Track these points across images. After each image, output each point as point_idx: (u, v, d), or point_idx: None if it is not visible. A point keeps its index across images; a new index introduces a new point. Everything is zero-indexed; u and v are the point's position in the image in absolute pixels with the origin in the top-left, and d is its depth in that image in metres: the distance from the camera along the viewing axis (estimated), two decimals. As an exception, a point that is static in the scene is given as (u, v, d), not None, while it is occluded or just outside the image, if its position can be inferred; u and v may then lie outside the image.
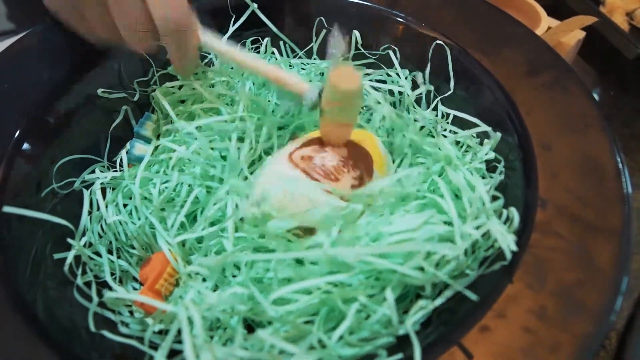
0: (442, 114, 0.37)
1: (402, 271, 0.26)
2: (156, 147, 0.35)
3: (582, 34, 0.46)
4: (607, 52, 0.50)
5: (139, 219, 0.32)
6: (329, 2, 0.42)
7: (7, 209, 0.28)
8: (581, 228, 0.27)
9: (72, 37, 0.38)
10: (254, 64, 0.33)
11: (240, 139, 0.33)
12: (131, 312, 0.30)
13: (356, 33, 0.40)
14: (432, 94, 0.39)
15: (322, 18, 0.41)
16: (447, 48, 0.37)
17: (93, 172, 0.35)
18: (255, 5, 0.40)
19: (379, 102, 0.36)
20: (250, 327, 0.28)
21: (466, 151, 0.35)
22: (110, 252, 0.32)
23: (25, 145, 0.33)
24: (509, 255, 0.26)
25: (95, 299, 0.29)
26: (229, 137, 0.32)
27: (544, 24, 0.45)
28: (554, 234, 0.27)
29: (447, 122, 0.36)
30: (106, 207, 0.32)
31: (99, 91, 0.37)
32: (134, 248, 0.33)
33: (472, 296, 0.25)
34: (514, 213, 0.28)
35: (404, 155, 0.37)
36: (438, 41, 0.37)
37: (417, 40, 0.39)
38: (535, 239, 0.27)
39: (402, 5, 0.40)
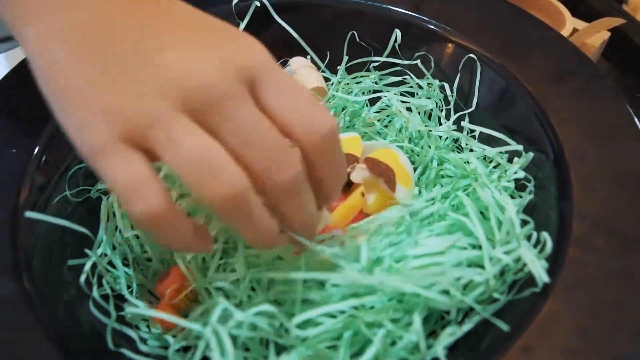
0: (468, 130, 0.36)
1: (428, 296, 0.25)
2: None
3: (607, 34, 0.45)
4: (631, 52, 0.48)
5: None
6: (346, 6, 0.40)
7: (29, 214, 0.28)
8: (620, 242, 0.26)
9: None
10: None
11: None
12: (148, 327, 0.30)
13: (397, 32, 0.39)
14: (452, 107, 0.38)
15: (354, 32, 0.39)
16: (476, 60, 0.35)
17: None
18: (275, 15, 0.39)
19: (399, 110, 0.36)
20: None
21: (494, 168, 0.33)
22: (125, 264, 0.32)
23: (43, 155, 0.33)
24: (540, 284, 0.25)
25: (114, 314, 0.28)
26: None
27: (569, 25, 0.43)
28: (592, 249, 0.26)
29: (473, 137, 0.35)
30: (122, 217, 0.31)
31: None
32: (149, 260, 0.32)
33: (504, 326, 0.25)
34: (547, 238, 0.27)
35: (427, 166, 0.36)
36: (470, 55, 0.36)
37: (442, 49, 0.38)
38: (572, 254, 0.26)
39: (425, 9, 0.39)
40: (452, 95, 0.37)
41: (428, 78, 0.38)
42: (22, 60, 0.36)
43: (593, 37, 0.43)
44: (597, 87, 0.32)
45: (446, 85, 0.38)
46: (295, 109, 0.21)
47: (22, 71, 0.36)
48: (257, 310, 0.23)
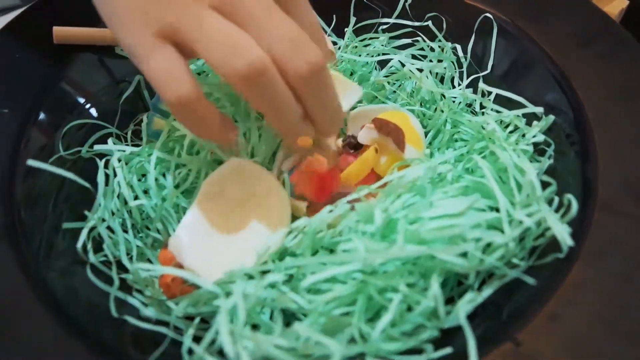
0: (483, 92, 0.34)
1: (447, 259, 0.23)
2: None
3: (625, 2, 0.43)
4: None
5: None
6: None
7: (31, 162, 0.27)
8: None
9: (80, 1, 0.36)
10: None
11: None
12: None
13: None
14: (465, 71, 0.36)
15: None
16: (494, 21, 0.34)
17: (103, 141, 0.33)
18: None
19: (412, 72, 0.34)
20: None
21: (511, 132, 0.32)
22: (124, 230, 0.30)
23: (38, 116, 0.31)
24: (564, 249, 0.24)
25: (117, 280, 0.26)
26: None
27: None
28: (620, 213, 0.25)
29: (489, 100, 0.34)
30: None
31: (117, 49, 0.35)
32: (148, 229, 0.30)
33: (530, 280, 0.23)
34: (572, 200, 0.25)
35: (440, 129, 0.34)
36: (486, 14, 0.34)
37: (456, 8, 0.36)
38: (598, 218, 0.25)
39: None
40: (466, 58, 0.35)
41: (440, 40, 0.36)
42: (15, 18, 0.34)
43: (611, 4, 0.41)
44: (621, 50, 0.31)
45: (459, 48, 0.36)
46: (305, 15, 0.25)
47: (16, 28, 0.34)
48: (269, 282, 0.22)
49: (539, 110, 0.31)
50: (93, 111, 0.34)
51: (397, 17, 0.37)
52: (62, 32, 0.34)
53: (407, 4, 0.37)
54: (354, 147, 0.32)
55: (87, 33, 0.34)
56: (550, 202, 0.27)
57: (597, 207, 0.25)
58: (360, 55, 0.37)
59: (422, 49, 0.36)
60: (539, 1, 0.34)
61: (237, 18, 0.22)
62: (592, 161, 0.27)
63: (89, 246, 0.28)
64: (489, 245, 0.25)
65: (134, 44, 0.23)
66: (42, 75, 0.33)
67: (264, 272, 0.25)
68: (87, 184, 0.27)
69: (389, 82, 0.36)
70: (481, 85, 0.34)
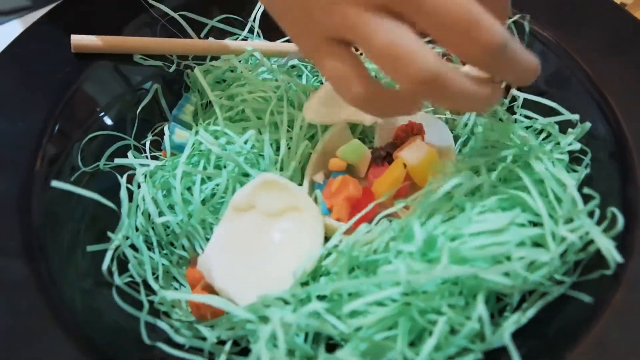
0: (514, 97, 0.33)
1: (493, 279, 0.23)
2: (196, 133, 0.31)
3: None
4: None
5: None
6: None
7: (55, 183, 0.26)
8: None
9: (98, 8, 0.35)
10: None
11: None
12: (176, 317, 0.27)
13: None
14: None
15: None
16: (525, 24, 0.33)
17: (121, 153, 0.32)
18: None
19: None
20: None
21: (544, 139, 0.31)
22: (148, 247, 0.29)
23: (55, 128, 0.30)
24: (613, 265, 0.23)
25: (146, 304, 0.25)
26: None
27: (615, -3, 0.40)
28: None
29: (518, 107, 0.33)
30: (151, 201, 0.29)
31: (136, 57, 0.34)
32: (173, 245, 0.29)
33: (586, 298, 0.22)
34: (617, 214, 0.24)
35: (469, 136, 0.33)
36: (518, 18, 0.33)
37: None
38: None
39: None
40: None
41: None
42: (32, 25, 0.33)
43: (630, 3, 0.40)
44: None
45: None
46: None
47: (33, 35, 0.33)
48: (308, 311, 0.21)
49: (575, 117, 0.30)
50: (109, 120, 0.33)
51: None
52: (79, 41, 0.32)
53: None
54: (383, 158, 0.31)
55: (105, 41, 0.33)
56: (590, 214, 0.26)
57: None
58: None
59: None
60: (570, 7, 0.33)
61: (402, 12, 0.21)
62: (632, 175, 0.26)
63: (114, 267, 0.27)
64: (532, 262, 0.24)
65: (307, 49, 0.24)
66: (58, 84, 0.32)
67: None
68: (112, 205, 0.26)
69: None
70: (513, 91, 0.33)
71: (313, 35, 0.23)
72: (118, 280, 0.27)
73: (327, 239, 0.28)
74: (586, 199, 0.26)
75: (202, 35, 0.37)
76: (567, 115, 0.30)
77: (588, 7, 0.33)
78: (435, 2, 0.20)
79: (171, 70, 0.35)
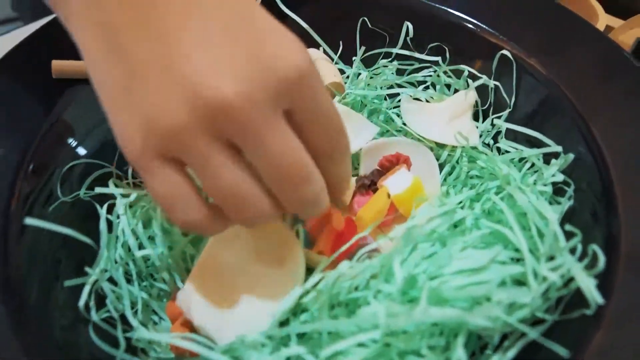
0: (498, 128, 0.33)
1: (474, 322, 0.22)
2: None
3: (640, 31, 0.42)
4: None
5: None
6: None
7: (29, 221, 0.25)
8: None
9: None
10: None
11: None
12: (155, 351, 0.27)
13: (408, 25, 0.36)
14: (480, 106, 0.35)
15: (365, 18, 0.36)
16: (511, 58, 0.33)
17: (100, 179, 0.31)
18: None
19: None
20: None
21: (528, 169, 0.31)
22: (127, 279, 0.29)
23: (34, 155, 0.30)
24: (594, 306, 0.23)
25: (123, 342, 0.25)
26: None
27: (602, 22, 0.40)
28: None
29: (504, 139, 0.33)
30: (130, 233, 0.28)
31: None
32: (153, 277, 0.29)
33: (562, 351, 0.22)
34: (599, 253, 0.24)
35: (454, 166, 0.33)
36: (503, 51, 0.33)
37: (474, 43, 0.35)
38: (624, 277, 0.24)
39: (453, 0, 0.36)
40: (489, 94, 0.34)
41: (450, 76, 0.35)
42: (10, 51, 0.33)
43: (626, 33, 0.40)
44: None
45: (470, 81, 0.35)
46: (325, 133, 0.21)
47: (13, 60, 0.33)
48: (287, 354, 0.21)
49: (558, 149, 0.30)
50: (90, 147, 0.33)
51: (408, 48, 0.36)
52: (60, 66, 0.32)
53: (413, 35, 0.36)
54: (368, 187, 0.31)
55: (86, 67, 0.32)
56: (572, 250, 0.26)
57: (621, 263, 0.24)
58: (368, 85, 0.36)
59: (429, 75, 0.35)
60: (556, 35, 0.33)
61: (241, 141, 0.20)
62: (614, 213, 0.26)
63: (92, 303, 0.26)
64: (513, 302, 0.24)
65: (133, 154, 0.20)
66: (38, 111, 0.32)
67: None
68: (88, 240, 0.26)
69: (398, 115, 0.35)
70: (498, 122, 0.33)
71: (142, 144, 0.19)
72: (95, 316, 0.26)
73: (310, 269, 0.27)
74: (569, 233, 0.26)
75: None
76: (552, 147, 0.30)
77: (574, 35, 0.33)
78: (273, 148, 0.19)
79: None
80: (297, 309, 0.26)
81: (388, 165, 0.32)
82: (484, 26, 0.35)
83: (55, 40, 0.34)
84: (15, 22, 0.64)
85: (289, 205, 0.22)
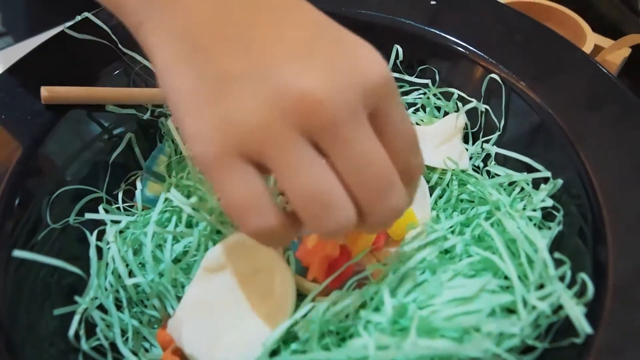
0: (488, 151, 0.33)
1: (461, 352, 0.22)
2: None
3: (628, 51, 0.42)
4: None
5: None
6: (359, 18, 0.37)
7: (17, 253, 0.25)
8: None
9: (69, 57, 0.35)
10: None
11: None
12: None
13: (398, 47, 0.36)
14: (470, 130, 0.35)
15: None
16: (500, 82, 0.33)
17: (91, 207, 0.31)
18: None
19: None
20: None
21: (518, 194, 0.31)
22: (117, 306, 0.29)
23: (23, 182, 0.30)
24: (582, 335, 0.23)
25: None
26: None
27: (590, 41, 0.41)
28: (635, 303, 0.24)
29: (494, 163, 0.33)
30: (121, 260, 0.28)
31: (108, 107, 0.33)
32: (144, 304, 0.29)
33: None
34: (587, 282, 0.24)
35: (445, 189, 0.33)
36: (492, 75, 0.33)
37: (463, 66, 0.35)
38: (612, 307, 0.24)
39: (443, 23, 0.36)
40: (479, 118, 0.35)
41: (439, 98, 0.35)
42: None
43: (614, 54, 0.41)
44: (633, 116, 0.30)
45: (460, 105, 0.35)
46: (406, 146, 0.21)
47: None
48: None
49: (547, 174, 0.30)
50: (80, 172, 0.33)
51: (398, 71, 0.37)
52: (50, 92, 0.32)
53: (412, 57, 0.36)
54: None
55: (76, 92, 0.32)
56: (561, 278, 0.26)
57: (609, 293, 0.24)
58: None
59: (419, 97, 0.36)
60: (546, 60, 0.33)
61: (325, 142, 0.19)
62: (602, 241, 0.26)
63: (82, 331, 0.26)
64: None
65: (206, 154, 0.19)
66: (26, 137, 0.32)
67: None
68: (78, 271, 0.26)
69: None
70: (487, 146, 0.33)
71: (220, 141, 0.18)
72: (85, 345, 0.26)
73: (301, 295, 0.27)
74: (558, 260, 0.26)
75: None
76: (543, 172, 0.30)
77: (563, 60, 0.34)
78: (361, 149, 0.19)
79: (145, 117, 0.35)
80: (288, 338, 0.26)
81: None
82: (474, 49, 0.35)
83: (44, 67, 0.34)
84: (4, 37, 0.64)
85: (373, 213, 0.20)
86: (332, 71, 0.18)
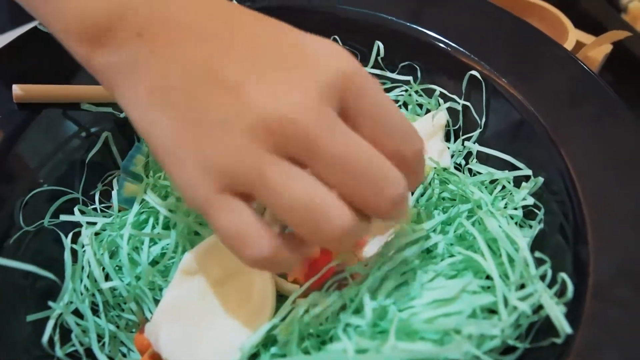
0: (469, 149, 0.33)
1: (441, 355, 0.22)
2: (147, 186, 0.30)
3: (610, 47, 0.42)
4: (631, 64, 0.46)
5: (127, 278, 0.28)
6: (340, 14, 0.37)
7: None
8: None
9: (43, 54, 0.34)
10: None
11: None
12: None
13: (379, 44, 0.36)
14: (451, 127, 0.35)
15: (336, 37, 0.36)
16: (481, 79, 0.33)
17: (68, 208, 0.30)
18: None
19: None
20: None
21: (499, 193, 0.31)
22: (93, 310, 0.28)
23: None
24: (562, 336, 0.23)
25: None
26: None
27: (572, 37, 0.41)
28: (616, 302, 0.24)
29: (474, 161, 0.33)
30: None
31: (84, 105, 0.33)
32: (121, 308, 0.28)
33: None
34: (567, 281, 0.24)
35: (426, 187, 0.33)
36: (473, 72, 0.33)
37: (445, 63, 0.35)
38: (593, 306, 0.24)
39: (424, 19, 0.36)
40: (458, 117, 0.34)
41: (421, 95, 0.35)
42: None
43: (596, 50, 0.41)
44: (614, 112, 0.30)
45: (441, 101, 0.35)
46: (390, 132, 0.21)
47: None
48: None
49: (528, 172, 0.30)
50: (56, 172, 0.32)
51: (380, 68, 0.36)
52: (23, 90, 0.31)
53: (394, 53, 0.36)
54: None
55: (50, 91, 0.31)
56: (542, 277, 0.26)
57: (589, 292, 0.24)
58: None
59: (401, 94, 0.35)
60: (527, 57, 0.33)
61: (304, 156, 0.19)
62: (583, 240, 0.26)
63: (56, 337, 0.26)
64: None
65: (196, 198, 0.20)
66: None
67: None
68: (51, 276, 0.25)
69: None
70: (468, 144, 0.33)
71: (202, 180, 0.19)
72: (59, 351, 0.26)
73: (282, 297, 0.27)
74: (538, 259, 0.26)
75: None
76: (524, 170, 0.30)
77: (545, 56, 0.34)
78: (339, 150, 0.19)
79: (122, 115, 0.34)
80: (267, 341, 0.26)
81: None
82: (456, 46, 0.35)
83: (16, 64, 0.33)
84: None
85: (374, 209, 0.20)
86: (289, 82, 0.19)
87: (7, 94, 0.31)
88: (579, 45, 0.42)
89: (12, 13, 0.64)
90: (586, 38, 0.43)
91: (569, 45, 0.40)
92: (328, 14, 0.38)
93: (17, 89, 0.31)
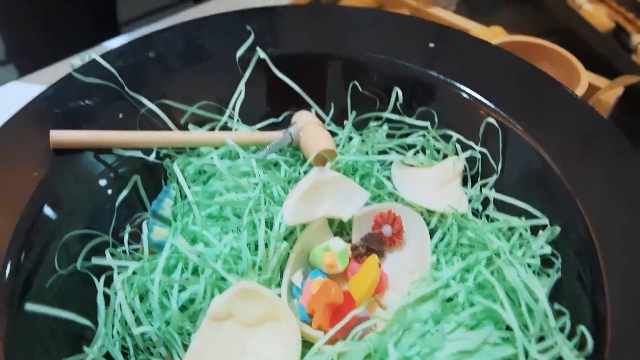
0: (486, 195, 0.34)
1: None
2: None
3: (621, 89, 0.43)
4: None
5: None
6: (360, 60, 0.38)
7: (29, 306, 0.25)
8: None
9: (75, 100, 0.35)
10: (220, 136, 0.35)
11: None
12: None
13: (397, 90, 0.37)
14: (469, 173, 0.36)
15: (355, 82, 0.38)
16: (498, 127, 0.34)
17: (97, 249, 0.31)
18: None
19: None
20: None
21: (517, 240, 0.32)
22: (123, 354, 0.29)
23: (29, 229, 0.30)
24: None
25: None
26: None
27: (584, 80, 0.42)
28: (634, 354, 0.25)
29: (493, 208, 0.34)
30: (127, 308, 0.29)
31: (115, 149, 0.34)
32: (151, 352, 0.29)
33: None
34: (587, 335, 0.25)
35: (445, 233, 0.34)
36: (489, 119, 0.34)
37: (461, 109, 0.36)
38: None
39: (440, 65, 0.37)
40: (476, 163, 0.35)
41: (438, 140, 0.36)
42: (7, 122, 0.33)
43: (607, 93, 0.42)
44: (626, 159, 0.31)
45: (459, 148, 0.36)
46: None
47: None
48: None
49: (544, 221, 0.31)
50: (87, 215, 0.33)
51: (399, 113, 0.37)
52: (59, 136, 0.32)
53: (405, 100, 0.37)
54: (365, 254, 0.32)
55: (87, 137, 0.33)
56: (561, 329, 0.26)
57: (608, 344, 0.25)
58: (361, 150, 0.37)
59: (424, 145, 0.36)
60: (540, 103, 0.34)
61: None
62: (600, 289, 0.27)
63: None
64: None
65: None
66: (33, 182, 0.32)
67: None
68: (87, 322, 0.26)
69: (389, 178, 0.36)
70: (486, 191, 0.33)
71: None
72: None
73: (305, 342, 0.28)
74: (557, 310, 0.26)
75: (182, 121, 0.37)
76: (540, 219, 0.31)
77: (559, 104, 0.35)
78: None
79: (151, 158, 0.35)
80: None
81: (381, 222, 0.33)
82: (472, 92, 0.36)
83: (51, 110, 0.35)
84: (6, 66, 0.64)
85: None
86: None
87: (43, 140, 0.33)
88: (592, 87, 0.43)
89: (17, 63, 0.66)
90: (598, 80, 0.44)
91: (582, 87, 0.41)
92: (349, 60, 0.39)
93: (53, 135, 0.32)
